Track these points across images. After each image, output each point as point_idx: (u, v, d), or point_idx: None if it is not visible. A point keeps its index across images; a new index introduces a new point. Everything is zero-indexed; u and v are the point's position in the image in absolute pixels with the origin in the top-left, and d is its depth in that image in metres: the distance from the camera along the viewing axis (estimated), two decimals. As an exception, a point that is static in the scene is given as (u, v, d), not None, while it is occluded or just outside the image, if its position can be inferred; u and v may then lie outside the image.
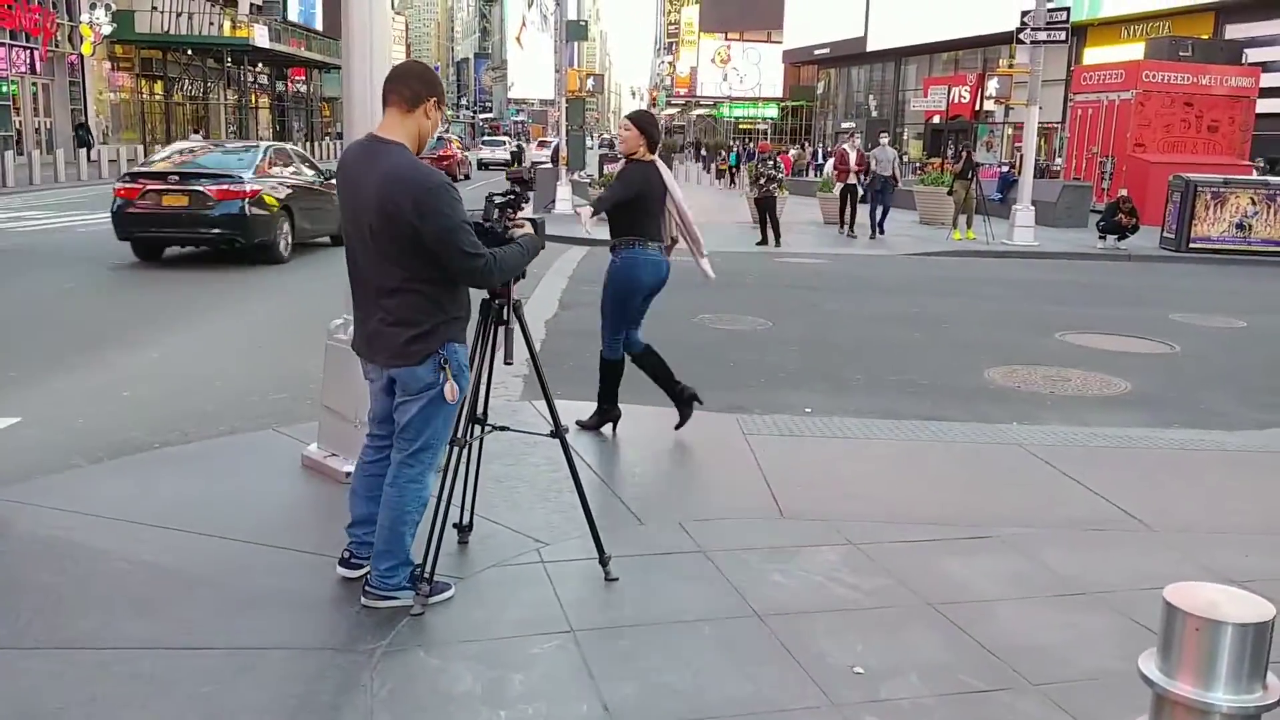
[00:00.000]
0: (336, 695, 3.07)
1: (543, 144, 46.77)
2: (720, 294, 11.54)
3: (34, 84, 37.31)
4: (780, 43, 58.56)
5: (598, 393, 5.87)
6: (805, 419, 6.39)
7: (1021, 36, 18.05)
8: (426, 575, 3.58)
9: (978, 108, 38.19)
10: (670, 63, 75.63)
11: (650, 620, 3.60)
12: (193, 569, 3.87)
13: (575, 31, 22.96)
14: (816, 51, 51.80)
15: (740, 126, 67.86)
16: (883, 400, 7.13)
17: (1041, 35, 17.68)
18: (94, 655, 3.23)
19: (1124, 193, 17.99)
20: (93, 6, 37.85)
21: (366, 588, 3.58)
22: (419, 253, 3.26)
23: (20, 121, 36.73)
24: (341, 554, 3.78)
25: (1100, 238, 17.58)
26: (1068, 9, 17.55)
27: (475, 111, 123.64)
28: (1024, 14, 18.16)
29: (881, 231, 18.50)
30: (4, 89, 35.48)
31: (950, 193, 18.93)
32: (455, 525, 4.07)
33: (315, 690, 3.09)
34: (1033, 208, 18.18)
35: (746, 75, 65.44)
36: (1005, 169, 25.13)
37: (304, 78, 61.40)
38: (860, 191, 18.95)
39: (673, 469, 5.49)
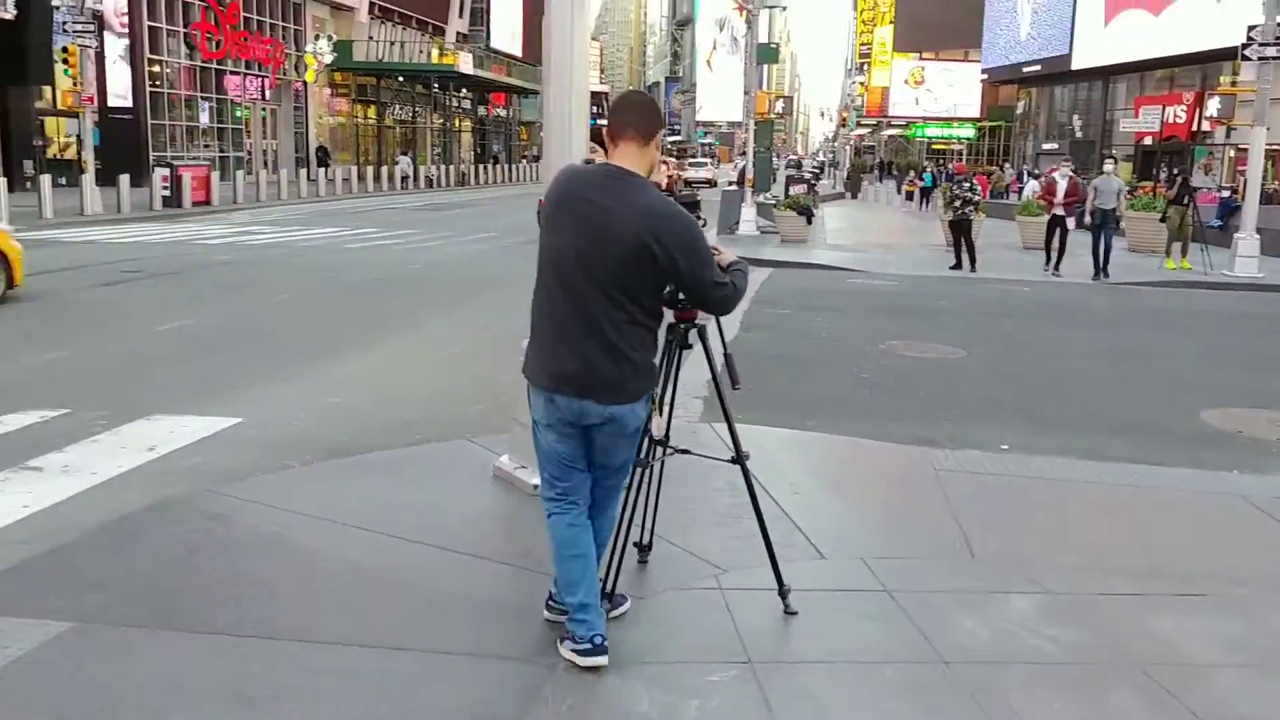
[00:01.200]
0: (518, 705, 3.16)
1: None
2: (910, 320, 11.28)
3: (263, 109, 40.45)
4: (978, 61, 56.75)
5: None
6: (1001, 456, 6.13)
7: (1247, 53, 16.82)
8: (608, 591, 3.64)
9: (1195, 128, 35.81)
10: (861, 83, 74.51)
11: (830, 658, 3.53)
12: (391, 571, 4.08)
13: (766, 54, 22.99)
14: (1017, 70, 49.95)
15: (933, 147, 66.05)
16: (1086, 439, 6.75)
17: (1270, 51, 16.43)
18: (302, 647, 3.45)
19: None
20: (316, 37, 40.76)
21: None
22: (655, 288, 3.27)
23: (250, 144, 39.92)
24: (592, 640, 3.38)
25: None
26: (1303, 23, 16.18)
27: (664, 134, 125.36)
28: (1250, 29, 16.93)
29: (1106, 275, 16.20)
30: (239, 114, 38.68)
31: (1164, 219, 17.75)
32: (635, 544, 4.12)
33: (496, 698, 3.19)
34: (1258, 236, 16.85)
35: (941, 95, 63.77)
36: (1226, 194, 23.42)
37: (504, 103, 64.02)
38: (1070, 226, 16.64)
39: (856, 502, 5.37)
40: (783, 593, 3.82)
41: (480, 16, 58.43)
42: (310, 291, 12.72)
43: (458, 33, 54.92)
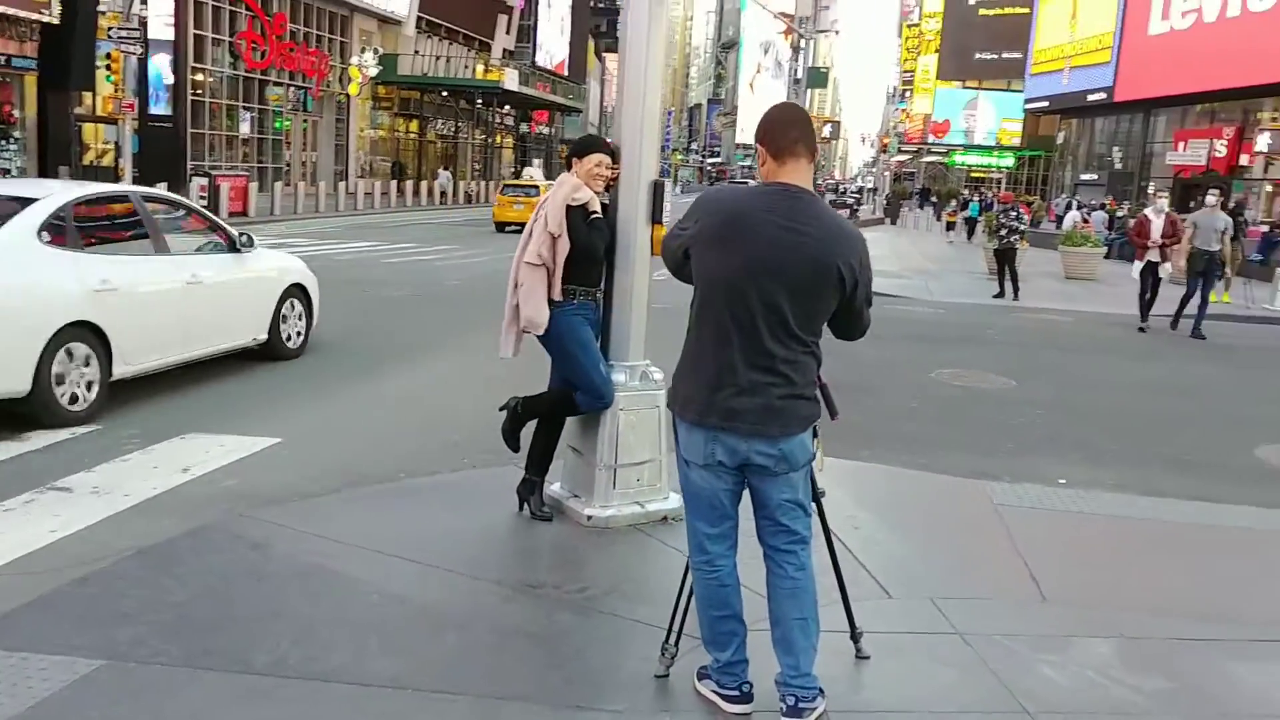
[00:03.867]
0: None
1: None
2: (956, 348, 11.01)
3: (305, 121, 40.71)
4: (1020, 91, 56.39)
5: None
6: (1060, 491, 5.91)
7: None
8: (675, 637, 3.41)
9: (1234, 163, 35.23)
10: (905, 109, 74.28)
11: (908, 707, 3.34)
12: (440, 606, 3.88)
13: (816, 79, 22.88)
14: (1056, 101, 49.51)
15: (972, 174, 65.61)
16: (1144, 475, 6.49)
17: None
18: (346, 690, 3.25)
19: None
20: (362, 50, 41.02)
21: (801, 704, 3.06)
22: (827, 314, 3.05)
23: (290, 155, 40.14)
24: (740, 688, 3.19)
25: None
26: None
27: (704, 156, 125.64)
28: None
29: (1200, 334, 13.21)
30: (279, 125, 38.92)
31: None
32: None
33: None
34: (1301, 271, 16.48)
35: (982, 123, 63.44)
36: (1267, 228, 22.94)
37: (546, 120, 64.25)
38: (1165, 274, 13.84)
39: (919, 539, 5.11)
40: (855, 636, 3.60)
41: (527, 34, 58.74)
42: (347, 307, 12.56)
43: (504, 49, 55.21)
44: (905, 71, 79.22)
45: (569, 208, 4.64)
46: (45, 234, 6.51)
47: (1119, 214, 31.16)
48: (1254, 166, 31.37)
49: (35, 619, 3.65)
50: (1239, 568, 4.81)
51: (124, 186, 11.65)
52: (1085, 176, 48.30)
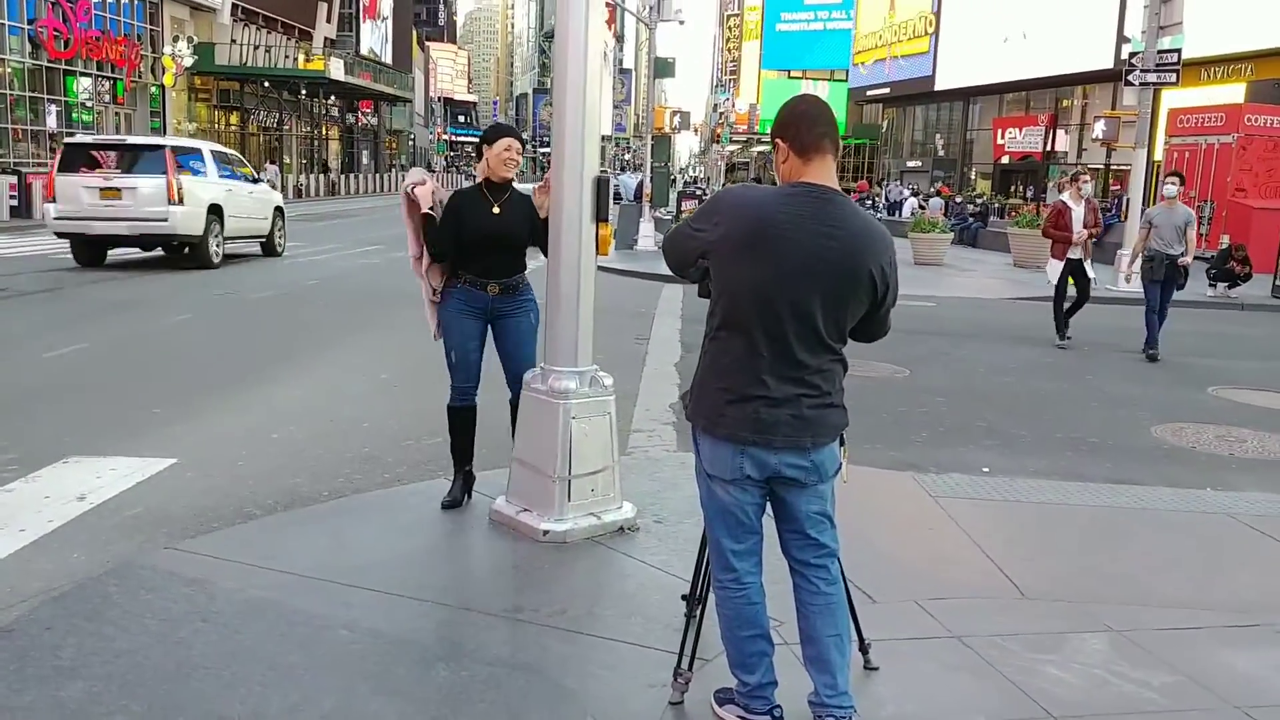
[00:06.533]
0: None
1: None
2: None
3: (116, 113, 38.13)
4: (844, 80, 58.43)
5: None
6: (987, 480, 6.05)
7: (1130, 78, 17.60)
8: (689, 660, 3.27)
9: (1048, 149, 37.64)
10: (730, 99, 75.66)
11: (935, 716, 3.29)
12: (419, 639, 3.60)
13: (662, 69, 22.93)
14: (880, 90, 51.57)
15: (801, 163, 67.60)
16: (1060, 460, 6.73)
17: (1151, 76, 17.23)
18: (348, 741, 2.96)
19: (1226, 241, 17.40)
20: (175, 39, 38.71)
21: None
22: (856, 319, 2.92)
23: (103, 150, 37.47)
24: (771, 713, 3.06)
25: (1210, 285, 16.99)
26: (1179, 50, 17.02)
27: (535, 146, 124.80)
28: (1132, 55, 17.74)
29: (1154, 350, 10.76)
30: (88, 118, 36.31)
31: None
32: (684, 597, 3.76)
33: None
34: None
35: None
36: (1106, 210, 24.56)
37: (371, 110, 62.34)
38: (1091, 273, 11.29)
39: (877, 537, 5.09)
40: (864, 647, 3.52)
41: (349, 22, 56.80)
42: (207, 309, 11.81)
43: (325, 38, 53.19)
44: (731, 61, 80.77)
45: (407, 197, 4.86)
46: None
47: (958, 199, 32.76)
48: (1069, 152, 33.48)
49: (-39, 682, 3.19)
50: (1187, 551, 4.96)
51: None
52: (910, 163, 50.53)
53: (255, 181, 17.47)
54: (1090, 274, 11.21)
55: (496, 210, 4.82)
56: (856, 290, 2.85)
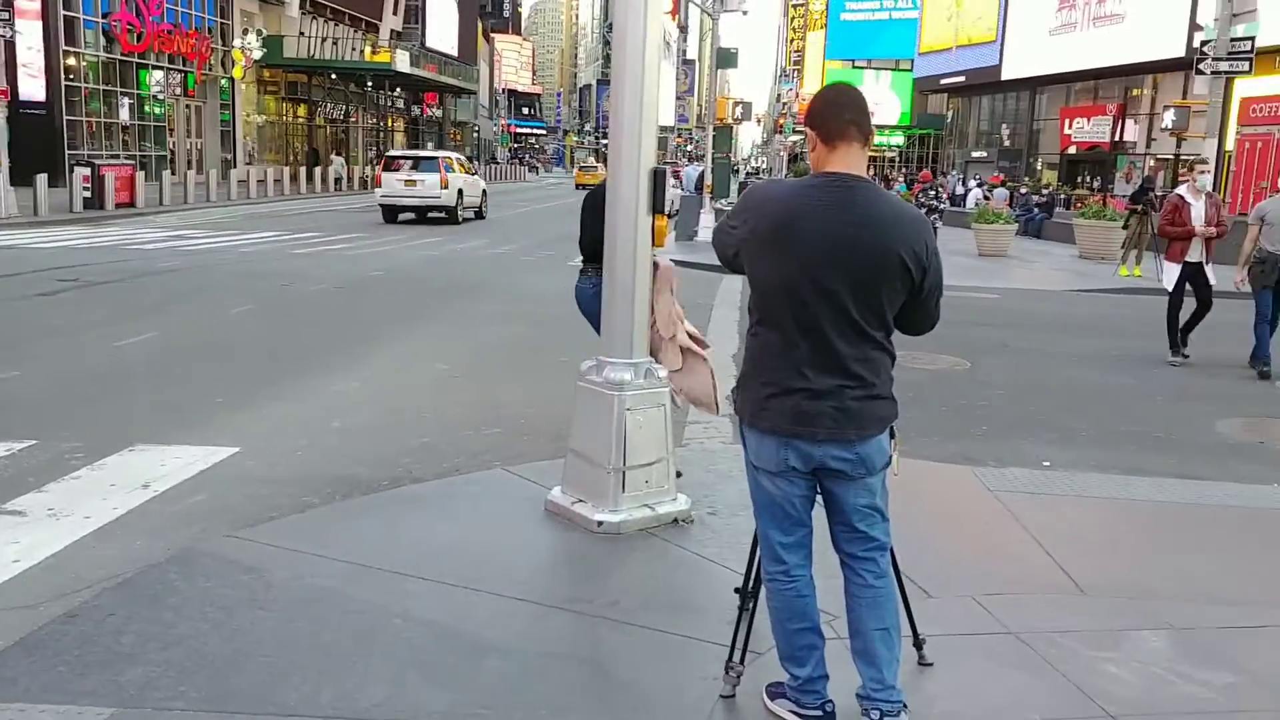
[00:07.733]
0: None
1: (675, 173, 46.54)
2: (897, 330, 11.06)
3: (187, 106, 38.98)
4: (909, 70, 57.59)
5: None
6: (1048, 474, 5.91)
7: (1201, 67, 17.08)
8: (740, 654, 3.24)
9: (1116, 139, 36.66)
10: (794, 90, 75.00)
11: (987, 715, 3.22)
12: (472, 629, 3.62)
13: (725, 59, 22.81)
14: (946, 80, 50.72)
15: (865, 153, 66.80)
16: (1122, 454, 6.56)
17: (1223, 65, 16.71)
18: (397, 730, 2.98)
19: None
20: (245, 32, 39.43)
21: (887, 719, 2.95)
22: (896, 307, 2.87)
23: (174, 142, 38.38)
24: (822, 707, 3.03)
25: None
26: (1253, 38, 16.47)
27: (597, 137, 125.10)
28: (1204, 43, 17.21)
29: (1266, 366, 9.16)
30: (160, 111, 37.17)
31: (1125, 226, 17.89)
32: (737, 590, 3.72)
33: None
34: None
35: (873, 103, 64.69)
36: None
37: (437, 102, 62.94)
38: (1212, 277, 9.56)
39: (933, 531, 5.03)
40: (918, 643, 3.46)
41: (415, 14, 57.39)
42: (272, 301, 12.02)
43: (391, 30, 53.80)
44: (794, 51, 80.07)
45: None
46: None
47: (1023, 190, 31.95)
48: (1138, 142, 32.56)
49: (26, 663, 3.27)
50: (1252, 549, 4.83)
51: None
52: (975, 154, 49.66)
53: (473, 175, 28.99)
54: (1211, 280, 9.56)
55: None
56: (888, 276, 2.78)
